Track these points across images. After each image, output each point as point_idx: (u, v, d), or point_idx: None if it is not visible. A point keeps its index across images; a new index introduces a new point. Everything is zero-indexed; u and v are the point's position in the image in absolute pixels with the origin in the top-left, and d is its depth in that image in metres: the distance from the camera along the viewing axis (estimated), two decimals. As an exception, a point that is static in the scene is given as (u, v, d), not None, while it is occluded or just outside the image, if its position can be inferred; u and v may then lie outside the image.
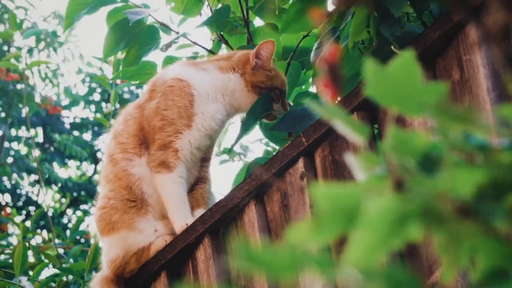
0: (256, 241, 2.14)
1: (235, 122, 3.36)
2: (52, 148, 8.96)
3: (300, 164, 2.10)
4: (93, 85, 9.15)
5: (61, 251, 4.10)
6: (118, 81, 4.05)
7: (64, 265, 3.81)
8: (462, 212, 0.81)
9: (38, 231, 7.36)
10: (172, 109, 2.44)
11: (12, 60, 4.28)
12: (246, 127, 2.50)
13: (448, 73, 1.85)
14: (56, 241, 4.17)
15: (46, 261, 3.85)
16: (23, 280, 3.22)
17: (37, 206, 8.38)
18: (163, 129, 2.43)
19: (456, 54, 1.84)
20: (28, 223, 4.51)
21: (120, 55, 3.09)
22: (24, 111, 8.47)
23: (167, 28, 2.86)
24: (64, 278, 3.60)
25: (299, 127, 2.35)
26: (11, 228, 6.02)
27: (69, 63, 8.72)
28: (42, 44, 8.00)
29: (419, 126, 1.86)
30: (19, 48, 4.17)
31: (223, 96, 2.51)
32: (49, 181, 8.59)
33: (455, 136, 0.86)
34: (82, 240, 6.51)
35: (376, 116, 2.00)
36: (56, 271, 3.66)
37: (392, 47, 2.01)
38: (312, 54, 2.36)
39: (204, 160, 2.52)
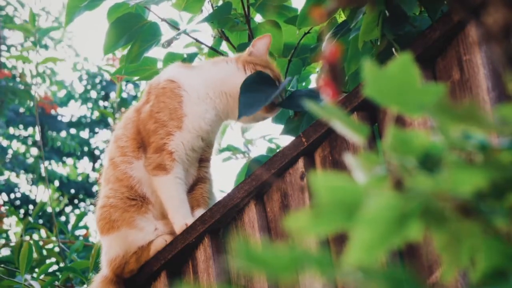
0: (256, 241, 2.14)
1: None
2: (49, 146, 8.95)
3: (300, 164, 2.10)
4: (90, 82, 9.14)
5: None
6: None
7: (66, 260, 3.82)
8: (463, 211, 0.81)
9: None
10: (164, 111, 2.46)
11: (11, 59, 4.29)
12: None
13: (448, 73, 1.85)
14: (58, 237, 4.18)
15: (49, 257, 3.85)
16: (28, 278, 3.22)
17: (35, 204, 8.36)
18: (157, 132, 2.45)
19: (456, 54, 1.84)
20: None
21: (122, 50, 3.09)
22: (21, 109, 8.46)
23: (171, 25, 2.86)
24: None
25: (300, 108, 2.36)
26: (8, 227, 6.02)
27: (66, 61, 8.70)
28: (32, 41, 7.96)
29: (419, 126, 1.86)
30: (34, 44, 4.16)
31: (214, 90, 2.50)
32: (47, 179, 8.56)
33: (455, 135, 0.86)
34: (83, 232, 6.50)
35: (376, 116, 2.00)
36: (60, 267, 3.66)
37: (393, 49, 2.01)
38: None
39: (202, 160, 2.52)
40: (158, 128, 2.45)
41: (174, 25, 2.87)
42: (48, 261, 3.88)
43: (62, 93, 9.21)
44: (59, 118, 9.03)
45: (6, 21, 7.39)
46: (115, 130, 2.61)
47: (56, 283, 3.45)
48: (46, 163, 8.74)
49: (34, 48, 4.18)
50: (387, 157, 0.85)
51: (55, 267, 3.72)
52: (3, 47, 7.86)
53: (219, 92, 2.50)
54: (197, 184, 2.51)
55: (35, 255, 3.82)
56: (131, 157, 2.49)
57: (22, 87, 7.25)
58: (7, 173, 8.26)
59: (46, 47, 8.26)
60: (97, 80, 9.06)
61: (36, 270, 3.76)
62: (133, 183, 2.47)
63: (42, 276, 3.39)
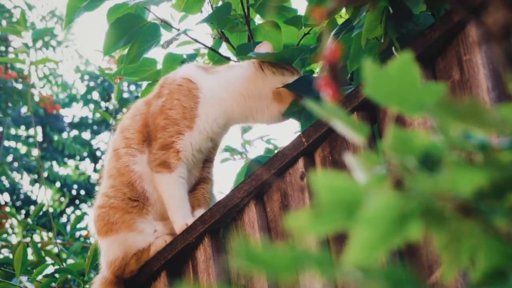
0: (256, 241, 2.14)
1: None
2: (51, 147, 8.96)
3: (300, 164, 2.10)
4: (92, 83, 9.15)
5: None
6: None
7: (65, 262, 3.81)
8: (463, 211, 0.81)
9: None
10: (177, 109, 2.44)
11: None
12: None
13: (448, 73, 1.85)
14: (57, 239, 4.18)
15: (47, 258, 3.84)
16: (24, 280, 3.21)
17: (36, 205, 8.34)
18: (166, 129, 2.42)
19: (456, 54, 1.84)
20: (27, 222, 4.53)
21: (121, 51, 3.09)
22: (23, 110, 8.47)
23: (168, 25, 2.87)
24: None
25: (308, 93, 2.37)
26: (9, 229, 6.02)
27: (68, 62, 8.73)
28: (39, 43, 7.98)
29: (419, 126, 1.86)
30: (26, 46, 4.17)
31: (229, 93, 2.47)
32: (48, 180, 8.59)
33: (455, 135, 0.86)
34: (84, 233, 6.50)
35: (376, 116, 2.00)
36: (56, 268, 3.66)
37: (393, 48, 2.00)
38: None
39: (206, 161, 2.51)
40: (168, 125, 2.43)
41: (168, 24, 2.87)
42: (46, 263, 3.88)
43: (64, 94, 9.22)
44: (61, 118, 9.04)
45: (12, 24, 7.42)
46: (123, 119, 2.58)
47: (53, 284, 3.44)
48: (49, 164, 8.75)
49: (26, 50, 4.17)
50: (387, 157, 0.85)
51: (52, 268, 3.72)
52: (10, 49, 7.88)
53: (237, 94, 2.48)
54: (199, 184, 2.50)
55: (33, 257, 3.82)
56: (135, 150, 2.46)
57: (24, 88, 7.28)
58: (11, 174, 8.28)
59: (54, 48, 8.27)
60: (99, 81, 9.07)
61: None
62: (134, 178, 2.44)
63: (40, 278, 3.38)
